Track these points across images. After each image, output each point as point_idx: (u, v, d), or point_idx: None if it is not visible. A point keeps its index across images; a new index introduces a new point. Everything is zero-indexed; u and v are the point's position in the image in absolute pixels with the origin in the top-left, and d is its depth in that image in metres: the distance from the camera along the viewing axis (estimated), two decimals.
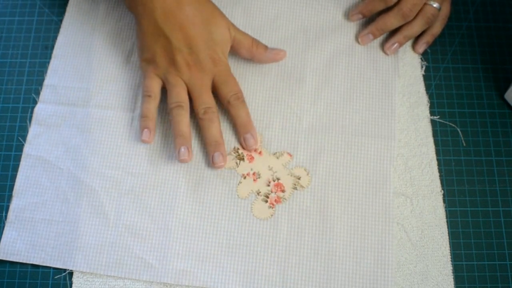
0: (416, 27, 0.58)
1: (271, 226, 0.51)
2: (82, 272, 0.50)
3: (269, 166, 0.54)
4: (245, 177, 0.53)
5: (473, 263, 0.51)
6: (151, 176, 0.53)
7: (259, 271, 0.50)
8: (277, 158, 0.54)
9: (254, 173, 0.53)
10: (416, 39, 0.60)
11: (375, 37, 0.59)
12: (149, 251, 0.50)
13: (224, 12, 0.57)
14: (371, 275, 0.50)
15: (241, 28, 0.58)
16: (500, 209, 0.53)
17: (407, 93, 0.58)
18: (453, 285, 0.50)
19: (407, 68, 0.59)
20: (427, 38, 0.59)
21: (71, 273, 0.51)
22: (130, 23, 0.61)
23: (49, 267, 0.51)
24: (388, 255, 0.50)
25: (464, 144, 0.56)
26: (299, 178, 0.53)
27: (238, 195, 0.53)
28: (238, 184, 0.53)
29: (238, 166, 0.54)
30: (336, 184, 0.53)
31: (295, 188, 0.53)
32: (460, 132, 0.57)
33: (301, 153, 0.54)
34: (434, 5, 0.57)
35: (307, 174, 0.53)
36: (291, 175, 0.53)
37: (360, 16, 0.59)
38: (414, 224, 0.52)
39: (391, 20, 0.57)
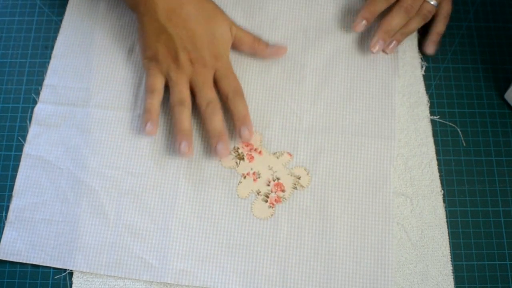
0: (413, 24, 0.57)
1: (271, 226, 0.51)
2: (82, 272, 0.50)
3: (269, 166, 0.54)
4: (245, 177, 0.53)
5: (473, 263, 0.51)
6: (151, 176, 0.53)
7: (259, 271, 0.50)
8: (277, 158, 0.54)
9: (254, 173, 0.54)
10: (423, 41, 0.60)
11: (385, 42, 0.57)
12: (149, 251, 0.50)
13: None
14: (371, 275, 0.50)
15: None
16: (500, 209, 0.53)
17: (407, 93, 0.58)
18: (453, 285, 0.50)
19: (407, 68, 0.59)
20: (433, 38, 0.59)
21: (71, 273, 0.51)
22: (130, 22, 0.61)
23: (49, 267, 0.51)
24: (388, 255, 0.50)
25: (464, 144, 0.56)
26: (299, 178, 0.53)
27: (238, 195, 0.53)
28: (238, 184, 0.53)
29: (238, 166, 0.54)
30: (336, 184, 0.53)
31: (295, 188, 0.53)
32: (460, 132, 0.57)
33: (301, 153, 0.54)
34: (432, 2, 0.57)
35: (307, 174, 0.53)
36: (291, 175, 0.53)
37: (365, 22, 0.58)
38: (414, 224, 0.52)
39: (395, 20, 0.57)
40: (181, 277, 0.50)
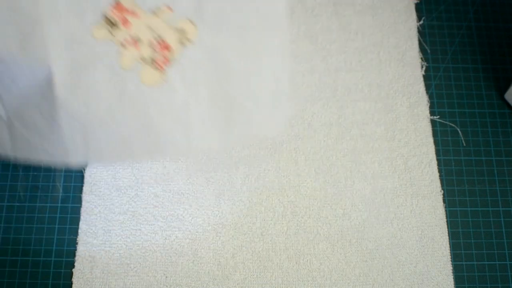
0: None
1: (165, 91, 0.46)
2: (82, 272, 0.50)
3: (148, 27, 0.47)
4: (124, 46, 0.47)
5: (473, 263, 0.51)
6: None
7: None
8: (156, 15, 0.47)
9: (133, 39, 0.47)
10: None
11: None
12: None
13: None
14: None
15: None
16: (500, 209, 0.53)
17: (407, 93, 0.58)
18: (453, 285, 0.50)
19: (407, 68, 0.59)
20: None
21: (71, 273, 0.51)
22: None
23: (49, 267, 0.51)
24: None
25: (464, 144, 0.56)
26: (184, 32, 0.47)
27: (122, 67, 0.46)
28: (120, 56, 0.46)
29: (112, 35, 0.46)
30: (227, 29, 0.47)
31: (182, 43, 0.47)
32: (460, 132, 0.57)
33: (182, 3, 0.47)
34: None
35: (193, 25, 0.47)
36: (174, 30, 0.47)
37: None
38: (414, 224, 0.52)
39: None
40: None
